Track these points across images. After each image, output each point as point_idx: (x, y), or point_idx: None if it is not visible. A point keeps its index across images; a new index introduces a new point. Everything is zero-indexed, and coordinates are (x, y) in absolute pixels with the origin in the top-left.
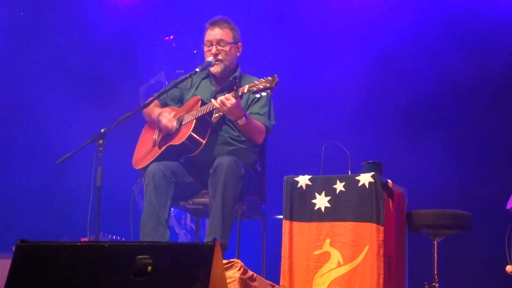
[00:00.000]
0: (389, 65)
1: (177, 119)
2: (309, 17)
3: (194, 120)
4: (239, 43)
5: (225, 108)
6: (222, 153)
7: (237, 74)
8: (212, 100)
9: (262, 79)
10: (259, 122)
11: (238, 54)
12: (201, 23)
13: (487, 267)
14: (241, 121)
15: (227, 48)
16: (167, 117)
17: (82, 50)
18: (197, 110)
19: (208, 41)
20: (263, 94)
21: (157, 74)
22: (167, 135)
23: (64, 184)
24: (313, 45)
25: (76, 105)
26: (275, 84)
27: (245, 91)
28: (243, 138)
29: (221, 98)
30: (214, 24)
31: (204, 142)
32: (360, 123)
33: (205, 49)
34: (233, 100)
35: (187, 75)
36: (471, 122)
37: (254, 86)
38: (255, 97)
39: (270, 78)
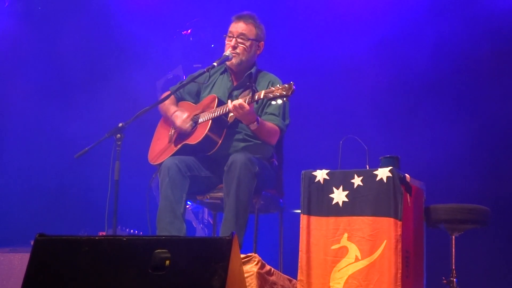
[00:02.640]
0: (407, 59)
1: (192, 118)
2: (323, 7)
3: (210, 120)
4: (261, 42)
5: (237, 114)
6: (238, 148)
7: (253, 71)
8: (229, 101)
9: (278, 86)
10: (272, 124)
11: (258, 52)
12: (219, 17)
13: (505, 262)
14: (253, 126)
15: (247, 43)
16: (181, 117)
17: (99, 44)
18: (214, 110)
19: (230, 32)
20: (279, 101)
21: (175, 68)
22: (183, 132)
23: (82, 178)
24: (330, 38)
25: (94, 99)
26: (291, 92)
27: (261, 96)
28: None
29: (235, 103)
30: (239, 18)
31: (220, 141)
32: (378, 117)
33: (226, 40)
34: (246, 108)
35: (205, 69)
36: (491, 117)
37: (270, 92)
38: None
39: (286, 86)
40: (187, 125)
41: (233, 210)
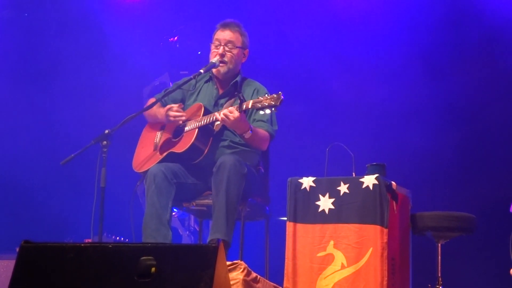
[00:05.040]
0: (393, 67)
1: (175, 129)
2: (312, 17)
3: (197, 129)
4: (246, 50)
5: (229, 121)
6: (224, 155)
7: (238, 79)
8: (216, 114)
9: (267, 96)
10: (262, 130)
11: (243, 60)
12: (205, 24)
13: (490, 269)
14: (247, 135)
15: (234, 51)
16: (174, 108)
17: (85, 51)
18: (200, 119)
19: (217, 39)
20: (267, 111)
21: (161, 75)
22: (169, 139)
23: (67, 185)
24: (317, 46)
25: (80, 106)
26: (280, 103)
27: (249, 106)
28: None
29: (224, 111)
30: (225, 26)
31: (206, 150)
32: (364, 124)
33: (212, 47)
34: (236, 114)
35: (191, 76)
36: (476, 125)
37: (258, 102)
38: None
39: (275, 96)
40: (183, 118)
41: (223, 209)
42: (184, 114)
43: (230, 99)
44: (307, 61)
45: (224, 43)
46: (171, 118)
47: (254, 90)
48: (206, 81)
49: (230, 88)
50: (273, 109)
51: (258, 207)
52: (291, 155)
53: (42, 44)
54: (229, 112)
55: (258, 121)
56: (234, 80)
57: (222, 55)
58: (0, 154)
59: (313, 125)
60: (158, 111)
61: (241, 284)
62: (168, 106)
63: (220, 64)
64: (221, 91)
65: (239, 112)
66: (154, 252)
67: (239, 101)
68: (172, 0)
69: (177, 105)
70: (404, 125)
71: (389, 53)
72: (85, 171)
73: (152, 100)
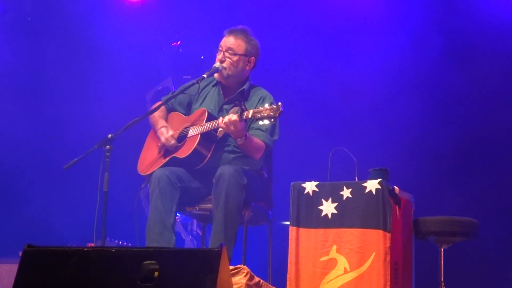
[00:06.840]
0: (396, 72)
1: (181, 132)
2: (317, 22)
3: (199, 135)
4: (252, 58)
5: (230, 129)
6: (227, 159)
7: (245, 87)
8: (219, 120)
9: (266, 107)
10: (258, 140)
11: (247, 68)
12: (208, 29)
13: (493, 274)
14: (240, 141)
15: (234, 58)
16: (165, 134)
17: (89, 55)
18: (203, 124)
19: (220, 45)
20: (266, 122)
21: (164, 80)
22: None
23: (71, 190)
24: (321, 50)
25: (83, 110)
26: (278, 114)
27: (249, 116)
28: None
29: (228, 118)
30: (230, 32)
31: (209, 156)
32: (368, 129)
33: (217, 53)
34: (238, 125)
35: (194, 81)
36: (478, 129)
37: (258, 112)
38: None
39: (274, 107)
40: (171, 143)
41: (221, 222)
42: (173, 145)
43: (234, 106)
44: (309, 66)
45: (225, 49)
46: (162, 139)
47: (260, 98)
48: (214, 85)
49: (237, 95)
50: (272, 120)
51: (261, 211)
52: (294, 160)
53: (44, 48)
54: (234, 121)
55: (256, 129)
56: (242, 88)
57: (222, 61)
58: (3, 158)
59: (316, 130)
60: (156, 122)
61: None
62: (162, 127)
63: (222, 67)
64: (226, 97)
65: (240, 121)
66: (157, 257)
67: (240, 110)
68: (175, 5)
69: (171, 134)
70: (407, 130)
71: (390, 57)
72: (88, 175)
73: (159, 103)
